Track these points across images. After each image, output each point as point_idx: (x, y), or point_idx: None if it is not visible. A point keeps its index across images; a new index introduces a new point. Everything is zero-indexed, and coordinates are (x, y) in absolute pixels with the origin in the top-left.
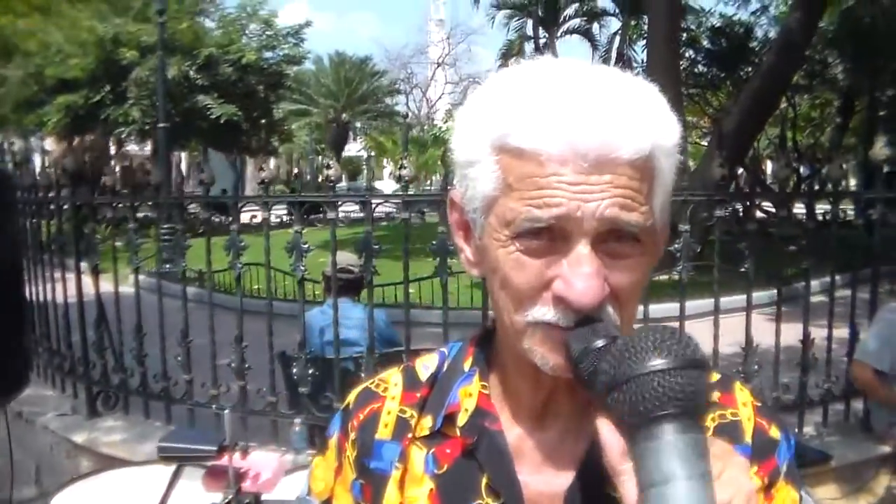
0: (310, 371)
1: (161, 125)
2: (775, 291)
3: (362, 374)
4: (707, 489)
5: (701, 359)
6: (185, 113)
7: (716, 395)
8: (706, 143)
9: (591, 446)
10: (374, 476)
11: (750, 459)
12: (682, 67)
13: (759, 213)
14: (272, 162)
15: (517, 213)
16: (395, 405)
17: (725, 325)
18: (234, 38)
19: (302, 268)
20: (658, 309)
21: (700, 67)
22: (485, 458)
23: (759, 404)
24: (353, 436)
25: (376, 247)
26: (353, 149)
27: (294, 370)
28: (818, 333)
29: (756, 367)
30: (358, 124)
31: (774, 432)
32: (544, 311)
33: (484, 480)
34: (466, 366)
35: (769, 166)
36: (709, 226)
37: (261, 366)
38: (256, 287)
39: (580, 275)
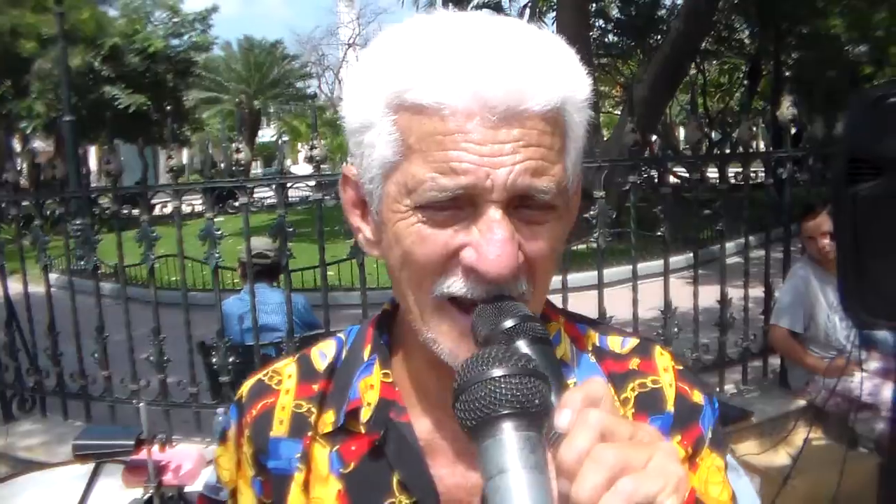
0: (230, 359)
1: (66, 118)
2: (692, 255)
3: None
4: (538, 477)
5: (537, 370)
6: (92, 105)
7: (636, 363)
8: (619, 112)
9: None
10: (274, 475)
11: (672, 428)
12: (592, 38)
13: (672, 179)
14: (185, 152)
15: (420, 180)
16: (289, 399)
17: (645, 291)
18: (139, 27)
19: (216, 255)
20: (577, 278)
21: (610, 37)
22: (394, 454)
23: (680, 368)
24: (247, 432)
25: (290, 230)
26: (267, 134)
27: (214, 359)
28: (735, 294)
29: (676, 329)
30: (271, 109)
31: (697, 397)
32: (452, 284)
33: (395, 477)
34: (366, 354)
35: (681, 132)
36: (624, 192)
37: (180, 357)
38: (173, 279)
39: (493, 242)
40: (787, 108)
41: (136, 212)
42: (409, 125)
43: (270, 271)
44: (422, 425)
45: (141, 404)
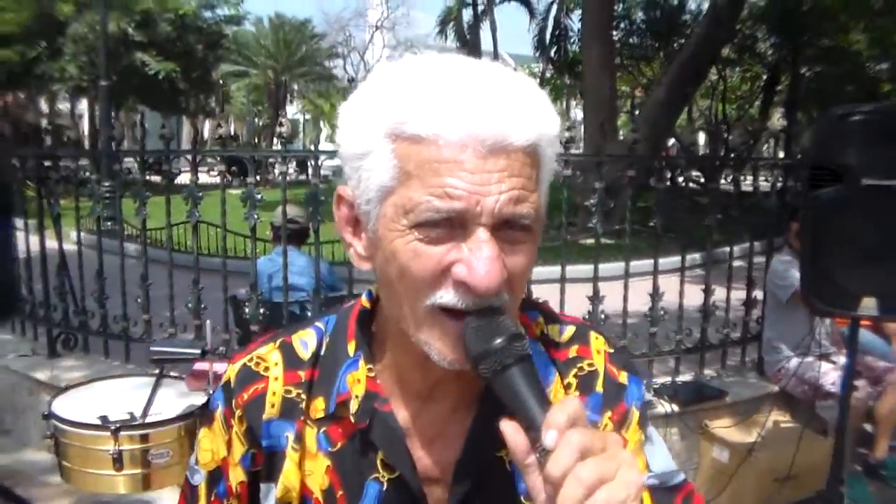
0: (261, 311)
1: (103, 83)
2: (696, 255)
3: (308, 315)
4: (538, 384)
5: (518, 332)
6: (123, 71)
7: (574, 349)
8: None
9: (475, 421)
10: (266, 451)
11: (603, 406)
12: (616, 38)
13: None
14: (206, 124)
15: (417, 202)
16: (279, 385)
17: (642, 286)
18: None
19: (255, 216)
20: (579, 270)
21: (634, 39)
22: (378, 437)
23: (611, 351)
24: (238, 413)
25: (322, 199)
26: (291, 111)
27: (246, 310)
28: (735, 294)
29: (662, 312)
30: (296, 87)
31: (623, 378)
32: (443, 295)
33: (379, 456)
34: (350, 349)
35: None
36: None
37: (214, 310)
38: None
39: (482, 259)
40: (777, 120)
41: (156, 178)
42: (408, 153)
43: (299, 236)
44: (402, 414)
45: (207, 321)
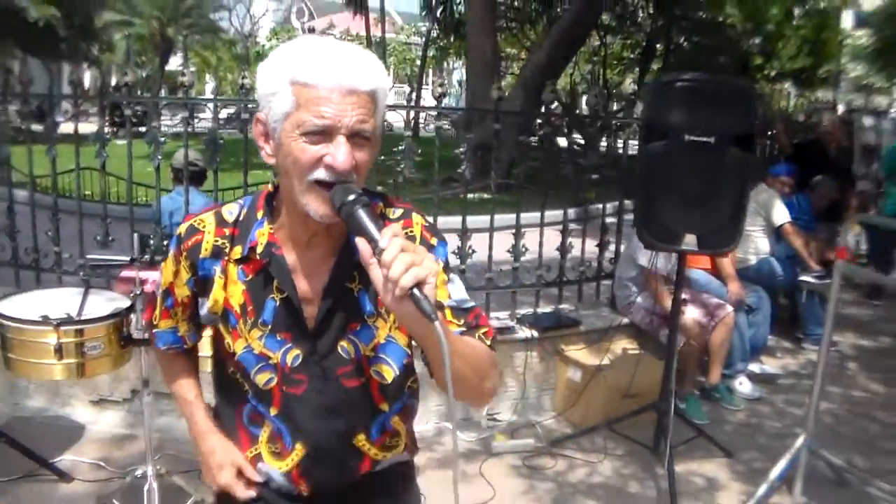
0: (164, 244)
1: None
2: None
3: None
4: (374, 218)
5: (362, 193)
6: None
7: (401, 222)
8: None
9: (336, 263)
10: (201, 277)
11: None
12: (500, 1)
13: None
14: (87, 73)
15: (304, 120)
16: (211, 237)
17: (507, 239)
18: None
19: (158, 157)
20: (472, 220)
21: (518, 2)
22: (274, 271)
23: (426, 224)
24: (185, 254)
25: (221, 142)
26: (175, 63)
27: (151, 244)
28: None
29: (524, 249)
30: (181, 38)
31: (434, 241)
32: (318, 174)
33: (275, 283)
34: (259, 215)
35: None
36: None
37: (122, 245)
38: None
39: (341, 152)
40: (628, 84)
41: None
42: (300, 92)
43: (198, 177)
44: (290, 256)
45: (136, 234)
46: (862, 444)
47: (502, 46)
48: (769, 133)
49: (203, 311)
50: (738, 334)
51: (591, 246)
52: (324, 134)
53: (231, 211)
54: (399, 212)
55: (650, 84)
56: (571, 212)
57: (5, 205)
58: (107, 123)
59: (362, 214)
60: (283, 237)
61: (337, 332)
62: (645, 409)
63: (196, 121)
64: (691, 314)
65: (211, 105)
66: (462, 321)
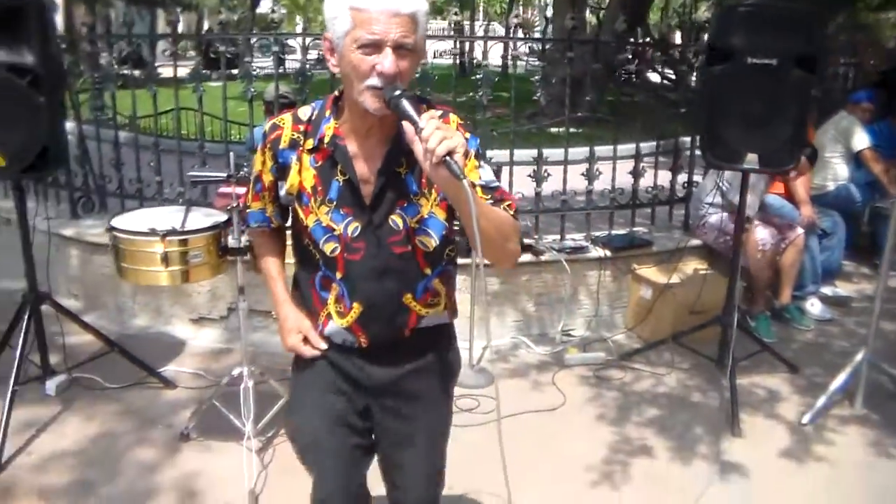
0: None
1: None
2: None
3: None
4: (416, 105)
5: (406, 89)
6: None
7: (441, 120)
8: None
9: (388, 151)
10: (281, 164)
11: None
12: None
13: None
14: (182, 18)
15: (359, 36)
16: (288, 132)
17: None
18: None
19: (252, 90)
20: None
21: None
22: (339, 157)
23: (461, 122)
24: (269, 146)
25: (309, 74)
26: (266, 5)
27: (245, 170)
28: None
29: (598, 172)
30: None
31: (467, 134)
32: (372, 80)
33: (339, 167)
34: (327, 113)
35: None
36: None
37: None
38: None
39: (388, 60)
40: (702, 12)
41: (136, 72)
42: (355, 15)
43: (289, 108)
44: (351, 146)
45: (231, 153)
46: None
47: None
48: (853, 59)
49: (282, 193)
50: (808, 256)
51: (666, 172)
52: (375, 46)
53: (305, 111)
54: (439, 113)
55: (715, 9)
56: (645, 146)
57: (110, 144)
58: (201, 65)
59: (406, 103)
60: (346, 130)
61: (388, 207)
62: (709, 322)
63: (286, 60)
64: (761, 234)
65: (300, 41)
66: (490, 196)
